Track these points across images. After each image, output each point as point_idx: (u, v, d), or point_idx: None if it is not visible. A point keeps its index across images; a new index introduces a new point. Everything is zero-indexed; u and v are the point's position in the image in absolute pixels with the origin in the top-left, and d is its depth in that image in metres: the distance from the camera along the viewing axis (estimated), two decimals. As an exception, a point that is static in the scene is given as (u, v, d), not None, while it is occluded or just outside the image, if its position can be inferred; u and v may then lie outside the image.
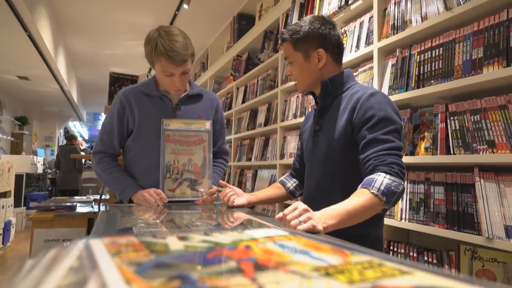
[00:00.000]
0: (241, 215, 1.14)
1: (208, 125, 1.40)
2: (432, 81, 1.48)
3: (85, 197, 3.16)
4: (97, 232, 0.81)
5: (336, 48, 1.15)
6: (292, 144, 2.56)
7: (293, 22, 2.59)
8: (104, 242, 0.29)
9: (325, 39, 1.12)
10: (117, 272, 0.21)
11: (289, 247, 0.29)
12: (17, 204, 4.99)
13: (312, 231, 0.78)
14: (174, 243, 0.29)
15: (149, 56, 1.32)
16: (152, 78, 1.50)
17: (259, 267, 0.24)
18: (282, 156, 2.66)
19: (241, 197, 1.28)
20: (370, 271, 0.22)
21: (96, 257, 0.25)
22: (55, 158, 7.11)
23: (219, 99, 1.61)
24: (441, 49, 1.47)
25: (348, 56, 1.97)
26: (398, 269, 0.23)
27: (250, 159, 3.26)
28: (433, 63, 1.49)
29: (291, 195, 1.36)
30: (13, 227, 4.33)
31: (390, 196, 0.91)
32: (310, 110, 2.31)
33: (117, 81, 2.27)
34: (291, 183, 1.36)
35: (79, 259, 0.25)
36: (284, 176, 1.41)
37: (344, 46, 2.06)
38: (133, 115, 1.42)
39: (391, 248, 1.61)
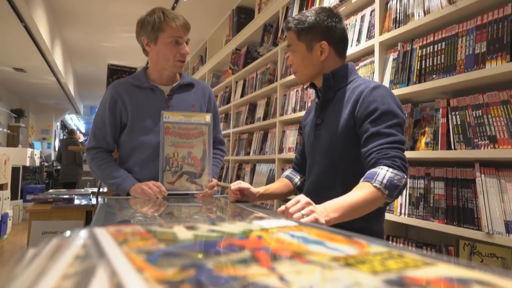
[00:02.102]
0: (241, 209, 1.13)
1: (208, 117, 1.39)
2: (434, 76, 1.47)
3: (83, 190, 3.14)
4: (97, 224, 0.80)
5: (340, 42, 1.14)
6: (291, 138, 2.55)
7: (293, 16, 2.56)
8: (109, 231, 0.27)
9: (330, 32, 1.10)
10: (127, 260, 0.20)
11: (302, 238, 0.28)
12: (13, 196, 4.96)
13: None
14: (182, 232, 0.28)
15: (155, 27, 1.35)
16: (142, 70, 1.49)
17: (275, 256, 0.23)
18: (280, 150, 2.65)
19: (248, 199, 1.24)
20: (391, 262, 0.21)
21: (102, 245, 0.23)
22: (57, 151, 7.27)
23: (211, 88, 1.61)
24: (443, 43, 1.46)
25: (349, 50, 1.95)
26: (420, 260, 0.22)
27: (248, 153, 3.25)
28: (435, 58, 1.48)
29: (299, 190, 1.33)
30: (10, 219, 4.30)
31: (392, 190, 0.90)
32: (310, 104, 2.30)
33: (115, 73, 2.24)
34: (298, 178, 1.33)
35: (84, 248, 0.23)
36: (289, 171, 1.38)
37: (345, 40, 2.05)
38: (125, 108, 1.40)
39: (390, 242, 1.61)
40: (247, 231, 0.29)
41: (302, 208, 0.79)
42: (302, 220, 0.77)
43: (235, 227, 0.31)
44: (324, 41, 1.10)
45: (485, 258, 1.28)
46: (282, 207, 0.83)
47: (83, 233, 0.27)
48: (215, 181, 1.39)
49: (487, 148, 1.25)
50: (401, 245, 1.56)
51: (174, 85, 1.46)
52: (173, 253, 0.22)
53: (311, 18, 1.11)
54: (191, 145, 1.35)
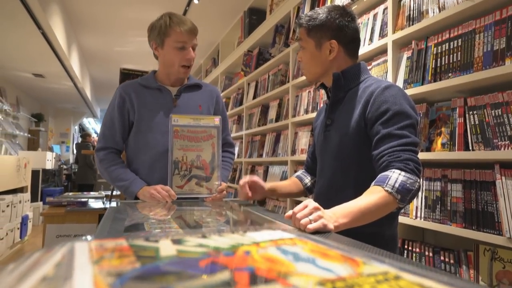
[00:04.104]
0: (248, 214, 1.12)
1: (217, 120, 1.38)
2: (450, 74, 1.42)
3: (97, 193, 3.20)
4: (103, 229, 0.79)
5: (351, 42, 1.10)
6: (304, 140, 2.51)
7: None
8: (90, 246, 0.26)
9: (341, 31, 1.07)
10: (92, 284, 0.19)
11: (293, 254, 0.26)
12: (33, 199, 5.09)
13: (323, 230, 0.75)
14: (166, 247, 0.27)
15: (161, 32, 1.36)
16: (151, 72, 1.51)
17: (256, 279, 0.21)
18: (293, 152, 2.62)
19: (256, 194, 1.23)
20: (385, 286, 0.19)
21: (75, 265, 0.22)
22: (75, 154, 7.76)
23: (219, 91, 1.62)
24: (459, 40, 1.40)
25: (361, 50, 1.91)
26: (418, 283, 0.20)
27: (261, 155, 3.23)
28: (451, 55, 1.43)
29: (308, 191, 1.31)
30: (30, 221, 4.41)
31: (405, 194, 0.87)
32: (322, 105, 2.26)
33: (128, 77, 2.27)
34: (309, 179, 1.32)
35: (57, 267, 0.22)
36: (300, 171, 1.37)
37: (357, 39, 2.00)
38: (133, 107, 1.42)
39: (406, 247, 1.56)
40: (235, 246, 0.27)
41: (310, 214, 0.77)
42: (310, 226, 0.74)
43: (225, 240, 0.29)
44: (334, 40, 1.07)
45: (508, 264, 1.22)
46: (290, 212, 0.80)
47: (65, 248, 0.26)
48: (224, 184, 1.38)
49: (508, 148, 1.19)
50: (417, 249, 1.51)
51: (181, 86, 1.48)
52: (144, 275, 0.21)
53: (322, 15, 1.08)
54: (200, 148, 1.34)
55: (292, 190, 1.30)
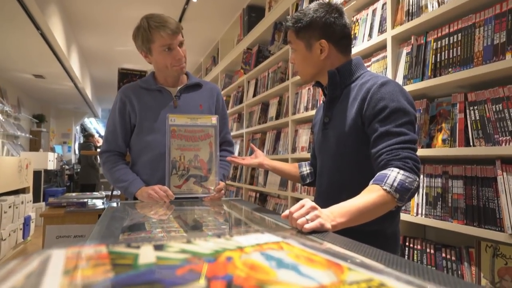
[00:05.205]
0: (249, 212, 1.11)
1: (214, 119, 1.37)
2: (450, 69, 1.40)
3: (98, 193, 3.20)
4: (98, 230, 0.79)
5: (341, 39, 1.08)
6: (304, 137, 2.50)
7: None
8: (67, 254, 0.25)
9: (329, 28, 1.05)
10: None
11: (276, 259, 0.25)
12: (36, 199, 5.10)
13: (320, 230, 0.74)
14: (146, 254, 0.26)
15: (145, 40, 1.35)
16: (151, 74, 1.51)
17: (232, 289, 0.20)
18: (293, 150, 2.61)
19: (255, 159, 1.31)
20: (367, 296, 0.18)
21: (45, 275, 0.21)
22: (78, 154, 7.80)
23: (219, 89, 1.62)
24: (459, 35, 1.39)
25: (360, 46, 1.90)
26: (402, 293, 0.19)
27: (261, 153, 3.22)
28: (451, 50, 1.41)
29: (302, 179, 1.34)
30: (32, 222, 4.42)
31: (403, 193, 0.86)
32: (321, 102, 2.25)
33: (126, 76, 2.26)
34: (306, 169, 1.34)
35: (27, 278, 0.21)
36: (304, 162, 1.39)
37: (356, 35, 1.99)
38: (134, 109, 1.42)
39: (407, 244, 1.55)
40: (219, 252, 0.26)
41: (307, 213, 0.76)
42: (306, 226, 0.73)
43: (210, 245, 0.28)
44: (323, 39, 1.05)
45: (510, 260, 1.21)
46: (286, 212, 0.79)
47: (42, 257, 0.25)
48: (222, 184, 1.37)
49: (509, 144, 1.18)
50: (419, 246, 1.50)
51: (182, 85, 1.48)
52: (115, 287, 0.20)
53: (308, 15, 1.06)
54: (198, 148, 1.33)
55: (288, 170, 1.35)
